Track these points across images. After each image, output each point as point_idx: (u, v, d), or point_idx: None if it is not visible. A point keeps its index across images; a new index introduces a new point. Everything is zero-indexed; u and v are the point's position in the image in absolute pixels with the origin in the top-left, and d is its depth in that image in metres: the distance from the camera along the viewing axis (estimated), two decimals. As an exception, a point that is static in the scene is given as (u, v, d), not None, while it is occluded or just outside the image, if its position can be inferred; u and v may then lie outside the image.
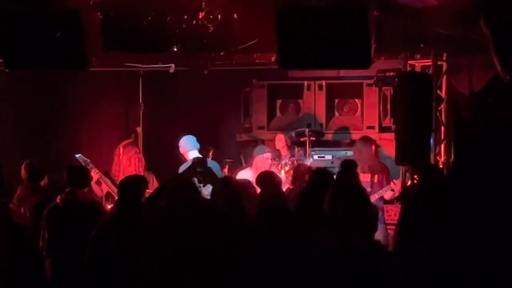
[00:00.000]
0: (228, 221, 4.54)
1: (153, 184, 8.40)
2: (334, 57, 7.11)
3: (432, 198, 2.64)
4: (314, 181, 6.41)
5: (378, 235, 5.71)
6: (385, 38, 7.45)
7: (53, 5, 7.36)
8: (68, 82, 9.68)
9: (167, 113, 10.84)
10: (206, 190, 7.28)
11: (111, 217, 5.93)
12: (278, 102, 11.03)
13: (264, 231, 4.82)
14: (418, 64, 9.14)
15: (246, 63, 9.57)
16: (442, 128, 9.00)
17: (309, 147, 9.60)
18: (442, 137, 9.01)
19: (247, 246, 3.66)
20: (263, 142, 10.58)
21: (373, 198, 8.30)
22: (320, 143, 10.15)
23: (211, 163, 8.66)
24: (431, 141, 8.60)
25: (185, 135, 9.32)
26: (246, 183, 6.24)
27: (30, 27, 7.25)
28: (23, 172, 7.50)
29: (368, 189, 7.81)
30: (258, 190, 6.58)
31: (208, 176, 7.82)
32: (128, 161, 8.75)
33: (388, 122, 10.28)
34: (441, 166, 8.76)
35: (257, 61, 9.43)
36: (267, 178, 6.78)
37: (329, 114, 10.73)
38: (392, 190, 8.58)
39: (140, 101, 10.14)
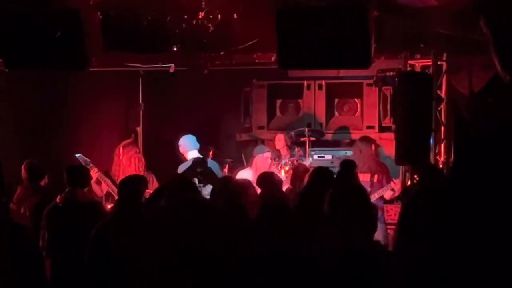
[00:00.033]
0: (228, 221, 4.54)
1: (153, 184, 8.40)
2: (334, 57, 7.11)
3: (432, 198, 2.65)
4: (314, 181, 6.41)
5: (378, 235, 5.72)
6: (385, 38, 7.46)
7: (53, 5, 7.36)
8: (68, 82, 9.68)
9: (167, 113, 10.84)
10: (206, 190, 7.28)
11: (111, 217, 5.93)
12: (278, 102, 11.03)
13: (264, 231, 4.82)
14: (418, 64, 9.14)
15: (246, 63, 9.56)
16: (442, 128, 9.00)
17: (309, 147, 9.60)
18: (442, 137, 9.01)
19: (247, 246, 3.66)
20: (263, 142, 10.58)
21: (373, 198, 8.31)
22: (320, 143, 10.15)
23: (210, 163, 8.67)
24: (431, 141, 8.60)
25: (185, 135, 9.32)
26: (246, 183, 6.24)
27: (30, 27, 7.25)
28: (23, 172, 7.51)
29: (368, 189, 7.81)
30: (258, 190, 6.58)
31: (208, 176, 7.83)
32: (128, 161, 8.76)
33: (388, 122, 10.28)
34: (441, 166, 8.76)
35: (257, 61, 9.42)
36: (267, 179, 6.79)
37: (329, 114, 10.73)
38: (392, 189, 8.58)
39: (140, 101, 10.14)
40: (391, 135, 9.50)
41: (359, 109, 10.69)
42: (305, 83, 10.73)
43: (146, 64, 9.47)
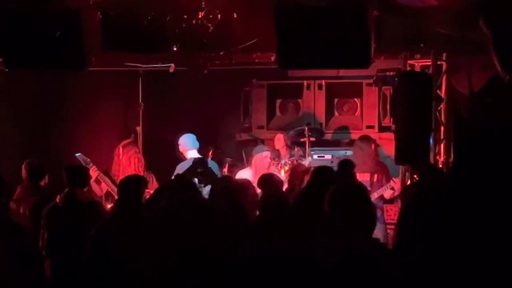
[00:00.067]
0: (228, 221, 4.54)
1: (152, 184, 8.40)
2: (334, 57, 7.12)
3: (432, 198, 2.64)
4: (315, 181, 6.40)
5: (378, 235, 5.72)
6: (385, 38, 7.46)
7: (53, 5, 7.36)
8: (68, 82, 9.67)
9: (166, 112, 10.83)
10: (206, 190, 7.28)
11: (111, 217, 5.94)
12: (278, 101, 11.03)
13: (264, 231, 4.83)
14: (417, 64, 9.13)
15: (246, 62, 9.56)
16: (442, 128, 8.99)
17: (308, 147, 9.60)
18: (442, 137, 9.01)
19: (247, 246, 3.66)
20: (262, 141, 10.58)
21: (373, 197, 8.30)
22: (319, 142, 10.15)
23: (210, 163, 8.66)
24: (431, 140, 8.60)
25: (182, 135, 9.32)
26: (245, 183, 6.24)
27: (30, 27, 7.25)
28: (23, 171, 7.51)
29: (368, 189, 7.81)
30: (258, 190, 6.58)
31: (208, 176, 7.82)
32: (128, 160, 8.77)
33: (387, 121, 10.28)
34: (440, 166, 8.76)
35: (257, 60, 9.42)
36: (268, 180, 6.78)
37: (329, 113, 10.73)
38: (392, 188, 8.58)
39: (140, 101, 10.16)
40: (390, 135, 9.50)
41: (359, 109, 10.69)
42: (305, 83, 10.73)
43: (146, 64, 9.47)
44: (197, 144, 9.14)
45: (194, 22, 7.80)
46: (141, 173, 8.47)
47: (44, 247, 6.42)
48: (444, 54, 8.93)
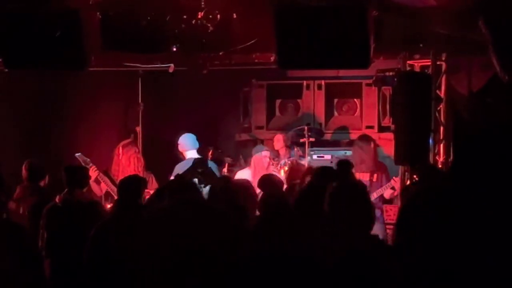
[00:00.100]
0: (228, 221, 4.54)
1: (152, 184, 8.41)
2: (333, 57, 7.12)
3: (432, 198, 2.65)
4: (316, 181, 6.40)
5: (377, 235, 5.70)
6: (384, 38, 7.45)
7: (53, 5, 7.36)
8: (68, 82, 9.67)
9: (166, 113, 10.83)
10: (206, 191, 7.28)
11: (110, 217, 5.94)
12: (277, 102, 11.02)
13: (264, 231, 4.83)
14: (417, 64, 9.13)
15: (245, 63, 9.55)
16: (441, 128, 8.99)
17: (308, 147, 9.60)
18: (441, 137, 9.00)
19: (247, 246, 3.67)
20: (262, 142, 10.57)
21: (373, 197, 8.30)
22: (319, 143, 10.14)
23: (209, 163, 8.66)
24: (430, 141, 8.60)
25: (182, 134, 9.33)
26: (245, 183, 6.24)
27: (30, 27, 7.25)
28: (23, 171, 7.51)
29: (367, 186, 7.80)
30: (257, 190, 6.58)
31: (208, 176, 7.83)
32: (128, 160, 8.77)
33: (387, 122, 10.28)
34: (440, 166, 8.75)
35: (256, 61, 9.41)
36: (268, 180, 6.78)
37: (328, 113, 10.72)
38: (393, 188, 8.57)
39: (140, 101, 10.16)
40: (390, 135, 9.50)
41: (358, 109, 10.69)
42: (305, 83, 10.72)
43: (146, 64, 9.47)
44: (196, 144, 9.14)
45: (193, 22, 7.80)
46: (141, 173, 8.47)
47: (43, 247, 6.43)
48: (444, 54, 8.93)
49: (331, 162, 9.28)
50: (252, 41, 8.12)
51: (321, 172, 6.57)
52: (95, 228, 5.64)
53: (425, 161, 8.19)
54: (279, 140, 9.67)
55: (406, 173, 8.76)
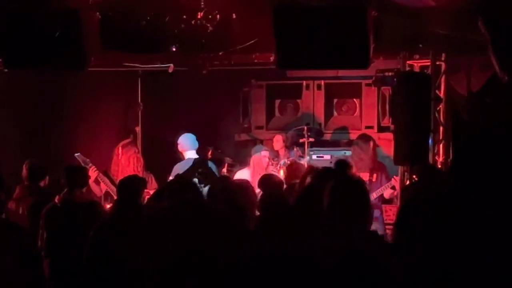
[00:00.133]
0: (228, 221, 4.54)
1: (151, 184, 8.42)
2: (333, 57, 7.12)
3: (431, 198, 2.65)
4: (316, 181, 6.40)
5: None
6: (384, 38, 7.46)
7: (52, 5, 7.36)
8: (68, 82, 9.68)
9: (166, 113, 10.84)
10: (206, 191, 7.29)
11: (110, 217, 5.94)
12: (277, 102, 11.02)
13: (264, 231, 4.83)
14: (416, 64, 9.13)
15: (245, 63, 9.56)
16: (441, 128, 9.00)
17: (307, 147, 9.60)
18: (441, 137, 9.01)
19: (247, 246, 3.67)
20: (262, 142, 10.58)
21: (372, 197, 8.30)
22: (319, 143, 10.15)
23: (208, 163, 8.67)
24: (430, 141, 8.60)
25: (182, 134, 9.33)
26: (244, 183, 6.24)
27: (30, 27, 7.25)
28: (24, 171, 7.51)
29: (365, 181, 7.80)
30: (257, 190, 6.58)
31: (208, 176, 7.83)
32: (127, 160, 8.78)
33: (386, 122, 10.28)
34: (439, 166, 8.76)
35: (256, 61, 9.42)
36: (268, 180, 6.79)
37: (328, 114, 10.73)
38: (393, 187, 8.58)
39: (139, 101, 10.17)
40: (390, 135, 9.51)
41: (358, 109, 10.69)
42: (304, 83, 10.73)
43: (145, 64, 9.47)
44: (196, 144, 9.15)
45: (193, 22, 7.80)
46: (140, 173, 8.48)
47: (43, 247, 6.43)
48: (443, 55, 8.93)
49: (331, 162, 9.28)
50: (252, 41, 8.13)
51: (322, 173, 6.58)
52: (94, 228, 5.64)
53: (425, 161, 8.20)
54: (278, 141, 9.67)
55: (406, 173, 8.77)
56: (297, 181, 7.47)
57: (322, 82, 10.64)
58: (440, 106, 8.98)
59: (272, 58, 7.85)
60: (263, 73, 10.27)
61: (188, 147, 9.12)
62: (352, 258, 3.52)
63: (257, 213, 5.68)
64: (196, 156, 8.83)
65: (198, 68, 9.38)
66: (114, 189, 7.63)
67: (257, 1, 7.77)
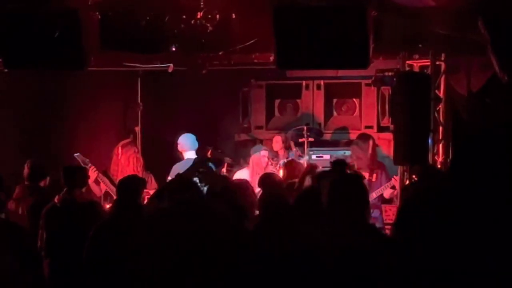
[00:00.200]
0: (228, 221, 4.55)
1: (151, 184, 8.42)
2: (333, 57, 7.12)
3: (431, 198, 2.65)
4: (317, 182, 6.40)
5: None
6: (384, 38, 7.45)
7: (52, 5, 7.36)
8: (68, 82, 9.68)
9: (165, 112, 10.84)
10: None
11: (109, 217, 5.94)
12: (277, 102, 11.02)
13: (264, 230, 4.83)
14: (416, 64, 9.13)
15: (245, 63, 9.56)
16: (440, 128, 8.99)
17: (307, 147, 9.60)
18: (440, 137, 9.01)
19: (246, 246, 3.67)
20: (261, 142, 10.58)
21: (372, 197, 8.30)
22: (318, 143, 10.15)
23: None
24: (430, 141, 8.60)
25: (183, 134, 9.32)
26: (244, 183, 6.24)
27: (30, 27, 7.25)
28: (25, 170, 7.51)
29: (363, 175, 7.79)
30: (257, 189, 6.58)
31: (208, 176, 7.83)
32: (127, 160, 8.78)
33: (386, 122, 10.28)
34: (439, 166, 8.76)
35: (256, 61, 9.42)
36: (267, 179, 6.79)
37: (328, 113, 10.73)
38: (393, 187, 8.57)
39: (139, 101, 10.17)
40: (389, 135, 9.51)
41: (357, 109, 10.69)
42: (304, 83, 10.72)
43: (145, 64, 9.47)
44: (196, 145, 9.15)
45: (192, 22, 7.80)
46: (140, 173, 8.48)
47: (42, 247, 6.43)
48: (443, 54, 8.93)
49: (330, 162, 9.28)
50: (252, 41, 8.12)
51: (321, 174, 6.59)
52: (94, 228, 5.64)
53: (424, 161, 8.19)
54: (277, 142, 9.66)
55: (405, 173, 8.76)
56: (296, 180, 7.49)
57: (322, 82, 10.64)
58: (440, 106, 8.97)
59: (271, 58, 7.84)
60: (263, 73, 10.27)
61: (188, 148, 9.12)
62: (352, 257, 3.53)
63: (257, 212, 5.68)
64: (195, 157, 8.82)
65: (198, 68, 9.38)
66: (114, 189, 7.63)
67: (257, 1, 7.76)
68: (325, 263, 3.45)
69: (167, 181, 7.73)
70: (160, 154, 9.71)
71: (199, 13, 7.73)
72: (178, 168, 8.40)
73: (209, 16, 7.73)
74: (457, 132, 8.98)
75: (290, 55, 7.26)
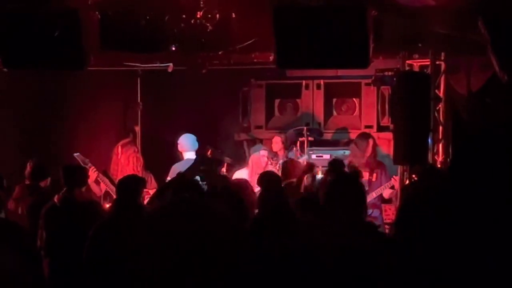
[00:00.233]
0: (228, 221, 4.55)
1: (151, 184, 8.42)
2: (333, 56, 7.12)
3: (431, 198, 2.65)
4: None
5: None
6: (384, 38, 7.46)
7: (52, 5, 7.36)
8: (68, 82, 9.68)
9: (165, 112, 10.84)
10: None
11: (109, 217, 5.94)
12: (277, 101, 11.02)
13: (263, 229, 4.83)
14: (416, 63, 9.14)
15: (244, 62, 9.57)
16: (440, 127, 9.00)
17: (307, 147, 9.60)
18: (440, 137, 9.02)
19: (246, 246, 3.67)
20: (261, 141, 10.58)
21: (372, 197, 8.31)
22: (318, 142, 10.15)
23: (206, 163, 8.67)
24: (429, 140, 8.60)
25: (183, 134, 9.33)
26: (243, 183, 6.25)
27: (30, 27, 7.25)
28: (28, 168, 7.51)
29: (366, 187, 7.80)
30: (257, 189, 6.59)
31: (209, 175, 7.84)
32: (127, 160, 8.78)
33: (386, 121, 10.28)
34: (439, 166, 8.76)
35: (255, 60, 9.43)
36: (267, 177, 6.80)
37: (327, 113, 10.72)
38: (392, 187, 8.57)
39: (139, 100, 10.17)
40: (389, 135, 9.51)
41: (357, 109, 10.69)
42: (304, 82, 10.72)
43: (145, 64, 9.48)
44: (196, 145, 9.15)
45: (192, 21, 7.80)
46: (140, 173, 8.48)
47: (42, 247, 6.43)
48: (443, 54, 8.94)
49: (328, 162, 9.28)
50: (251, 41, 8.13)
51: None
52: (94, 228, 5.64)
53: (424, 161, 8.20)
54: (277, 142, 9.65)
55: (405, 173, 8.77)
56: (294, 180, 7.50)
57: (322, 82, 10.64)
58: (440, 105, 8.98)
59: (271, 58, 7.84)
60: (263, 72, 10.27)
61: (188, 148, 9.12)
62: (352, 257, 3.53)
63: (256, 211, 5.69)
64: (194, 157, 8.83)
65: (198, 67, 9.38)
66: (114, 188, 7.62)
67: (257, 0, 7.77)
68: (325, 262, 3.45)
69: (167, 180, 7.73)
70: (160, 154, 9.71)
71: (199, 12, 7.73)
72: (177, 168, 8.40)
73: (209, 15, 7.73)
74: (457, 132, 8.99)
75: (290, 54, 7.27)
